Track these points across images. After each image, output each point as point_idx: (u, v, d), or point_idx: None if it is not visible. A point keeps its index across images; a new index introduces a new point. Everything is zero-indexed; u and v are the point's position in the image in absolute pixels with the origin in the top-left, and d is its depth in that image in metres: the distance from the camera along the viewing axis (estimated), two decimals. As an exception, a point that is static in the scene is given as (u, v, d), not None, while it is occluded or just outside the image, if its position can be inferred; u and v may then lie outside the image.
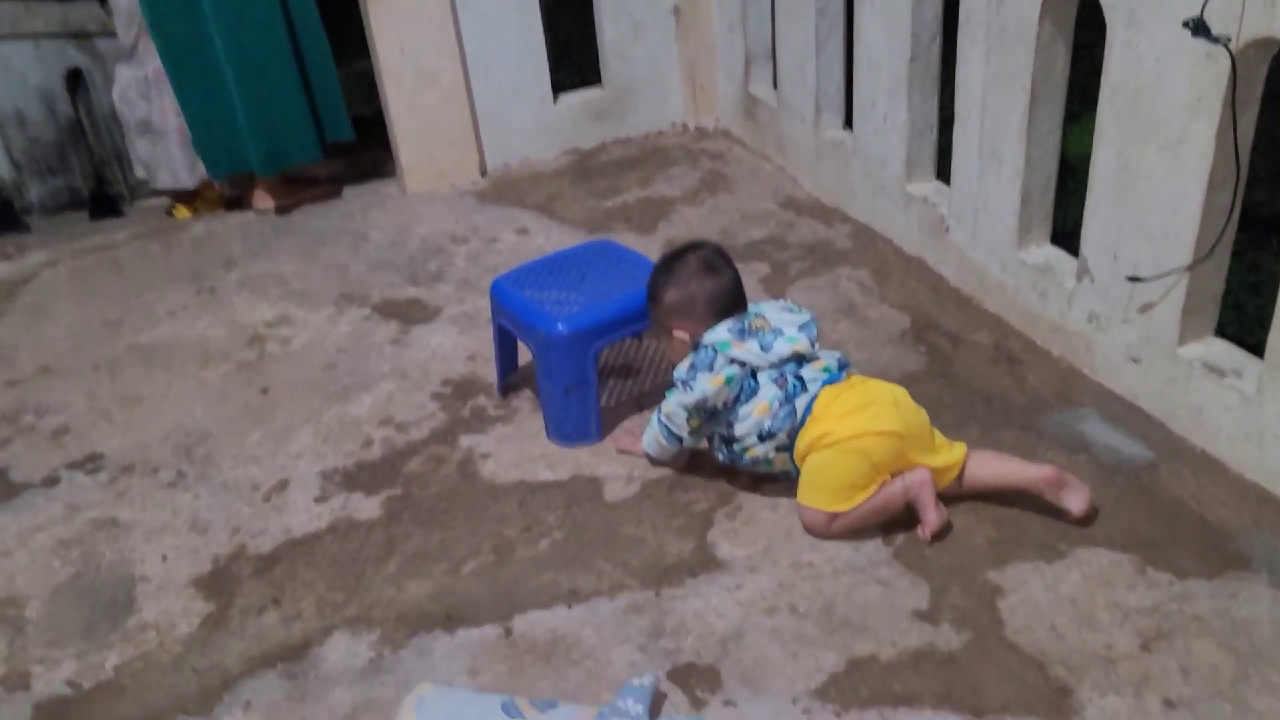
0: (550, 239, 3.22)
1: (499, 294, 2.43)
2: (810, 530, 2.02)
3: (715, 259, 2.13)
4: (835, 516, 1.98)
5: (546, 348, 2.29)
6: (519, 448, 2.39)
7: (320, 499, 2.30)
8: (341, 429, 2.50)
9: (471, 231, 3.31)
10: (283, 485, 2.35)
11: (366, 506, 2.27)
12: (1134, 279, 2.13)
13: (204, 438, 2.53)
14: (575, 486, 2.25)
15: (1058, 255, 2.46)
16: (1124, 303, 2.21)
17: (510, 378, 2.58)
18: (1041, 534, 1.98)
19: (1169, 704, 1.65)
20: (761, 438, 2.07)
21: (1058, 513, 1.97)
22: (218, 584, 2.11)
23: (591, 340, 2.29)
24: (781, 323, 2.08)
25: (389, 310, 2.95)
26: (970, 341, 2.55)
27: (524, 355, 2.56)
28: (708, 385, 2.05)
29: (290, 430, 2.52)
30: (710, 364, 2.05)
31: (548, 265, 2.49)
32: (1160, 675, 1.70)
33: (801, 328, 2.08)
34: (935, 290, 2.75)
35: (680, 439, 2.15)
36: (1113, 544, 1.94)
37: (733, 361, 2.04)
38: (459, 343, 2.78)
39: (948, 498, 2.01)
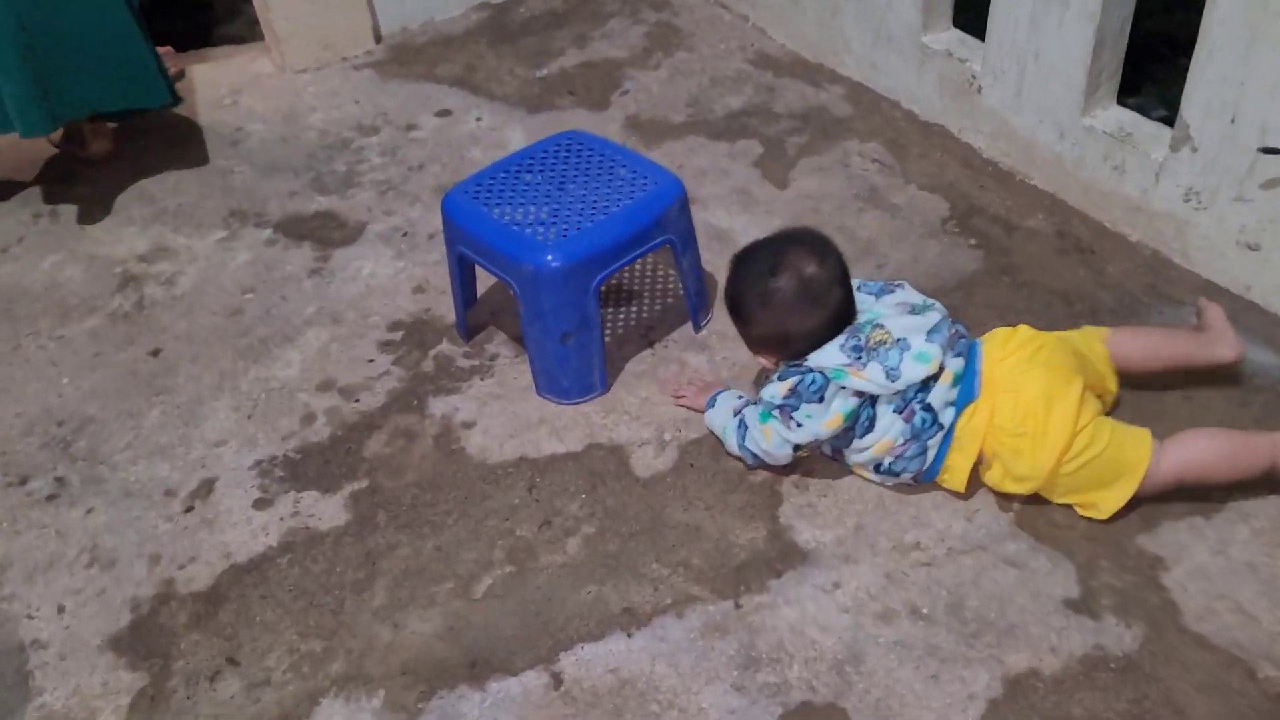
0: (483, 123, 2.63)
1: (455, 213, 1.88)
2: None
3: (820, 278, 1.56)
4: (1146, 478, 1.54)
5: (536, 286, 1.77)
6: (509, 410, 1.89)
7: (262, 502, 1.77)
8: (269, 400, 1.95)
9: (380, 118, 2.68)
10: (207, 487, 1.81)
11: (327, 509, 1.75)
12: (1270, 150, 1.73)
13: (83, 425, 1.94)
14: (594, 459, 1.79)
15: (1134, 120, 2.05)
16: (1240, 177, 1.83)
17: (471, 312, 2.05)
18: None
19: None
20: (880, 470, 1.63)
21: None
22: (144, 642, 1.59)
23: (593, 272, 1.78)
24: (905, 331, 1.57)
25: (297, 229, 2.35)
26: (1026, 228, 2.14)
27: (482, 279, 2.04)
28: (821, 427, 1.57)
29: (200, 405, 1.96)
30: (820, 393, 1.56)
31: (511, 169, 1.94)
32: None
33: (931, 335, 1.57)
34: (969, 165, 2.32)
35: (762, 461, 1.69)
36: (1273, 483, 1.60)
37: (851, 393, 1.56)
38: (398, 270, 2.22)
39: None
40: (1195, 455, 1.52)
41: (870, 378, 1.53)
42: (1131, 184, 2.02)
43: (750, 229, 2.21)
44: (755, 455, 1.67)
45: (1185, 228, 1.96)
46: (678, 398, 1.84)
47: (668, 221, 1.84)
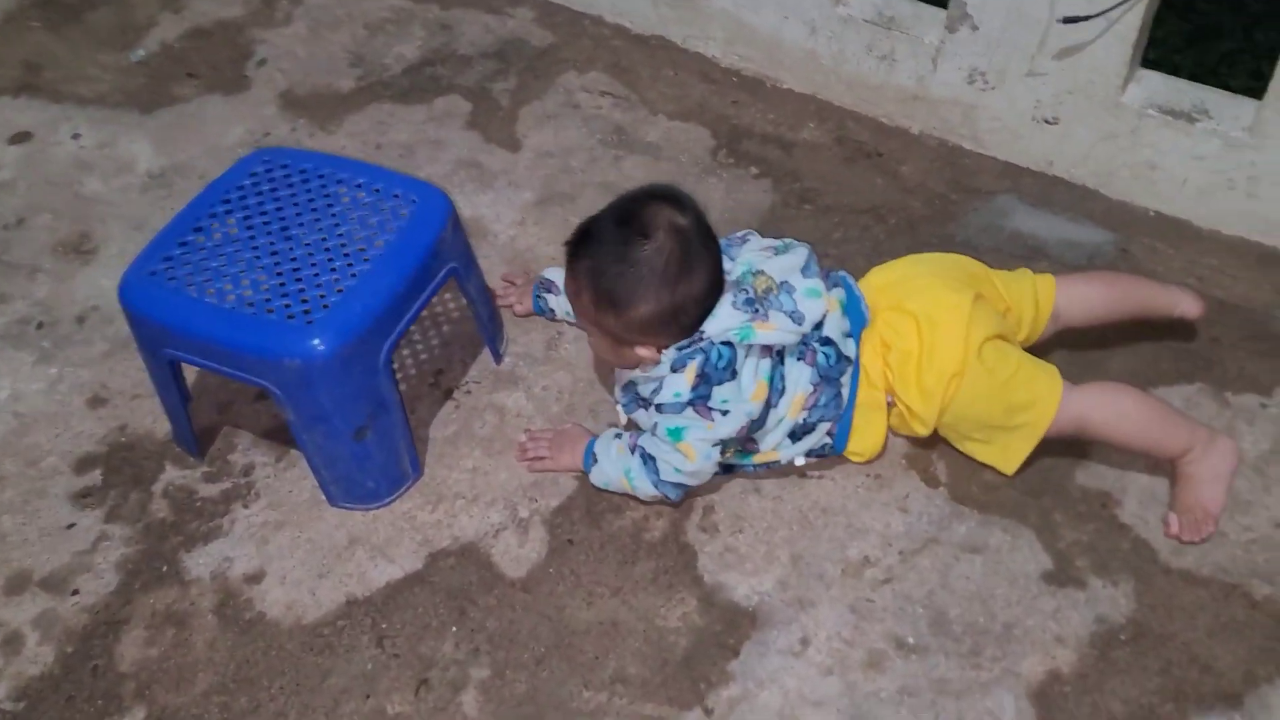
0: (84, 140, 1.98)
1: (147, 307, 1.34)
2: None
3: (693, 228, 1.26)
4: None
5: (307, 384, 1.30)
6: (303, 540, 1.42)
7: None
8: (-63, 633, 1.34)
9: (-71, 163, 1.94)
10: (-109, 805, 1.21)
11: (101, 775, 1.23)
12: (1071, 19, 1.60)
13: None
14: (445, 573, 1.38)
15: (895, 3, 1.85)
16: (1031, 52, 1.69)
17: (193, 413, 1.52)
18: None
19: (1393, 577, 1.32)
20: (795, 440, 1.35)
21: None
22: None
23: (378, 344, 1.33)
24: (783, 273, 1.33)
25: None
26: (803, 143, 1.91)
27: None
28: (750, 403, 1.29)
29: None
30: (730, 366, 1.27)
31: (201, 223, 1.41)
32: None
33: (806, 271, 1.35)
34: (710, 79, 2.03)
35: (687, 487, 1.37)
36: (1162, 373, 1.53)
37: (760, 352, 1.29)
38: (53, 383, 1.61)
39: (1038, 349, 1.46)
40: (1107, 414, 1.35)
41: (779, 326, 1.29)
42: (904, 73, 1.84)
43: (503, 211, 1.82)
44: (679, 485, 1.35)
45: (973, 111, 1.81)
46: (533, 461, 1.46)
47: (445, 247, 1.42)
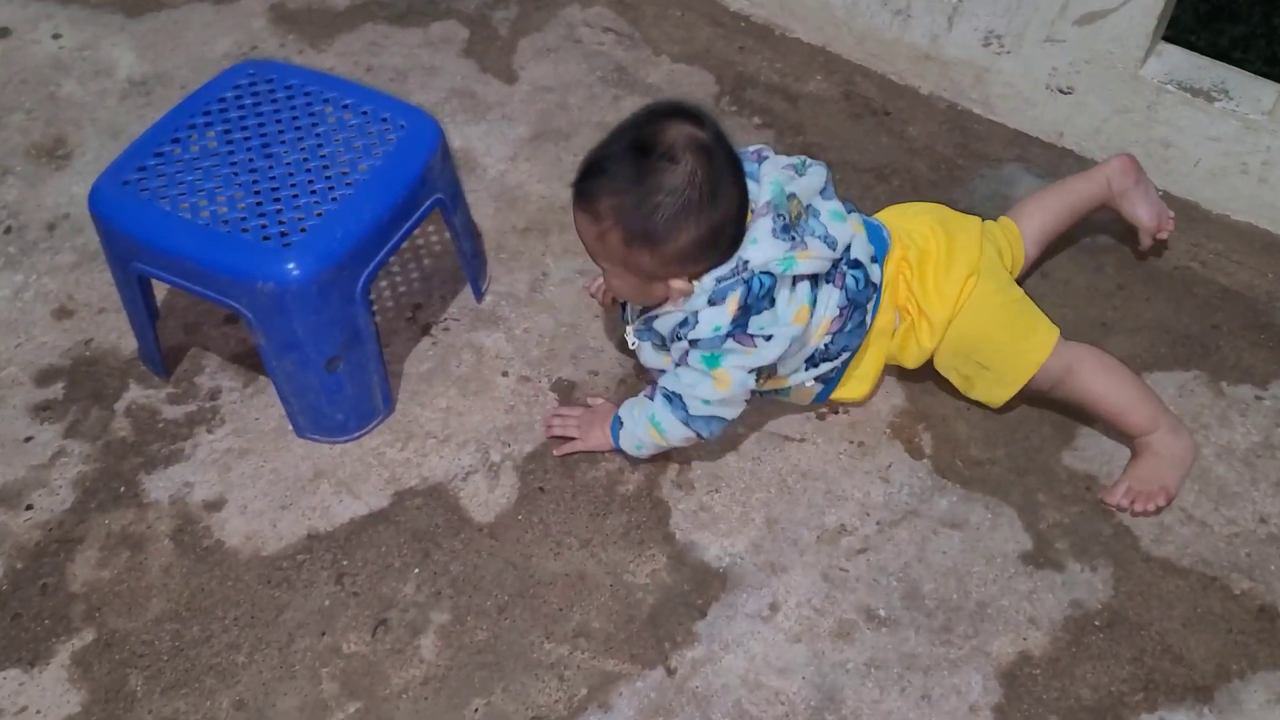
0: (65, 40, 1.90)
1: (118, 217, 1.28)
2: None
3: (718, 143, 1.19)
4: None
5: (280, 309, 1.25)
6: (268, 469, 1.38)
7: (-69, 713, 1.18)
8: (-118, 541, 1.30)
9: (-97, 52, 1.86)
10: None
11: (44, 693, 1.19)
12: (1095, -15, 1.54)
13: None
14: (411, 513, 1.34)
15: (913, -47, 1.78)
16: (1052, 17, 1.63)
17: (160, 331, 1.47)
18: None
19: (1375, 580, 1.30)
20: (812, 363, 1.30)
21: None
22: None
23: (356, 272, 1.28)
24: (806, 195, 1.26)
25: None
26: (809, 95, 1.85)
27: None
28: (791, 325, 1.22)
29: None
30: (769, 294, 1.21)
31: (180, 134, 1.35)
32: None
33: (826, 193, 1.29)
34: (718, 23, 1.97)
35: (725, 421, 1.30)
36: (1160, 358, 1.49)
37: (794, 280, 1.23)
38: (18, 289, 1.56)
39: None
40: (1094, 366, 1.34)
41: (817, 254, 1.22)
42: (918, 30, 1.78)
43: (495, 145, 1.76)
44: (712, 418, 1.29)
45: (985, 75, 1.76)
46: (561, 442, 1.39)
47: (432, 176, 1.36)
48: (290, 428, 1.40)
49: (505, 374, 1.47)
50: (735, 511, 1.35)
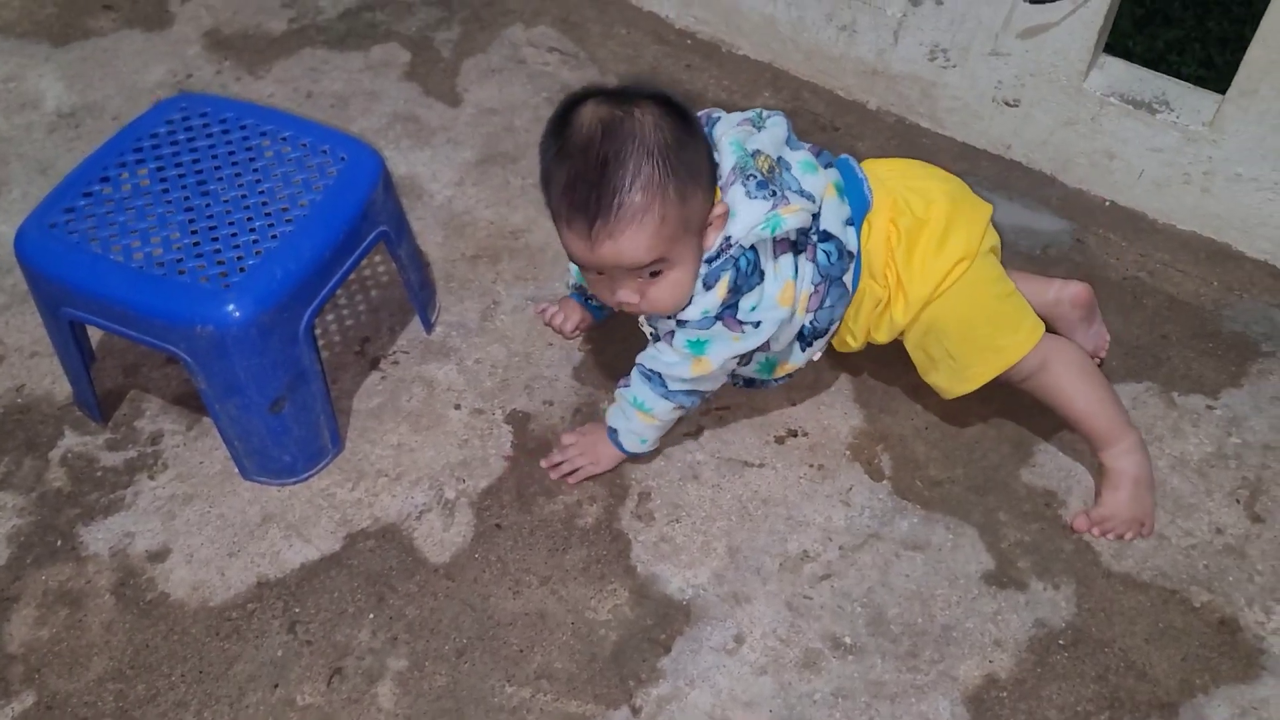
0: (-5, 73, 1.84)
1: (45, 262, 1.24)
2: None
3: (677, 98, 1.15)
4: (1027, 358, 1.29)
5: (221, 352, 1.21)
6: (213, 515, 1.33)
7: None
8: None
9: None
10: None
11: (-18, 766, 1.14)
12: (1037, 0, 1.54)
13: None
14: (364, 556, 1.31)
15: (856, -31, 1.78)
16: (995, 30, 1.63)
17: (96, 374, 1.42)
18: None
19: (1332, 588, 1.31)
20: (807, 342, 1.28)
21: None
22: None
23: (299, 310, 1.25)
24: (773, 147, 1.21)
25: None
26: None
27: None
28: (778, 307, 1.19)
29: None
30: (756, 269, 1.17)
31: (109, 172, 1.30)
32: None
33: (789, 142, 1.25)
34: (663, 40, 1.95)
35: (704, 393, 1.30)
36: (1111, 370, 1.50)
37: (773, 247, 1.19)
38: (-51, 334, 1.49)
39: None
40: (1069, 364, 1.30)
41: (801, 207, 1.16)
42: (865, 46, 1.77)
43: (441, 170, 1.73)
44: (691, 392, 1.28)
45: (932, 89, 1.76)
46: (574, 474, 1.36)
47: (375, 208, 1.33)
48: (236, 470, 1.36)
49: (458, 407, 1.44)
50: (696, 541, 1.33)
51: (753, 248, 1.17)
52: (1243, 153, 1.53)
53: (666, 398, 1.27)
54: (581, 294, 1.48)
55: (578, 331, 1.50)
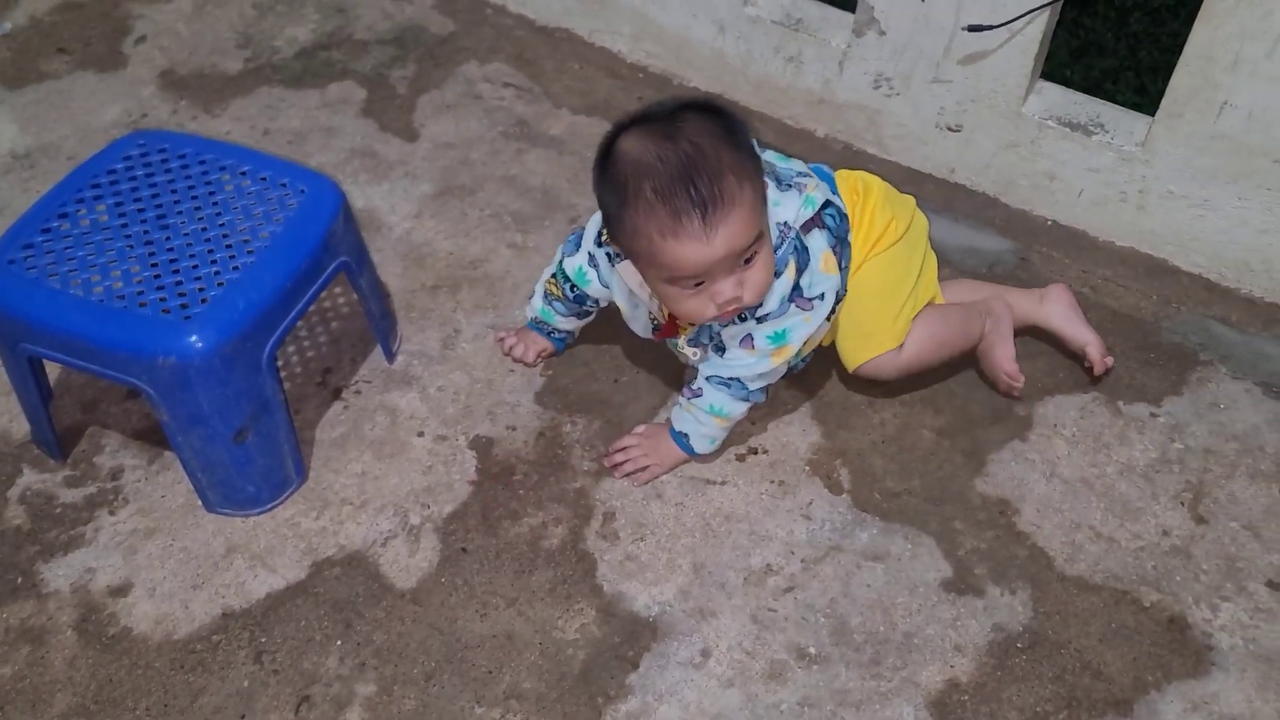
0: (-52, 116, 1.84)
1: (2, 296, 1.24)
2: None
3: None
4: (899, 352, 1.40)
5: (184, 384, 1.21)
6: (177, 549, 1.33)
7: None
8: None
9: None
10: None
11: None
12: (976, 28, 1.60)
13: None
14: (330, 584, 1.31)
15: (803, 5, 1.83)
16: (937, 58, 1.69)
17: (55, 412, 1.42)
18: (986, 398, 1.52)
19: (1274, 585, 1.35)
20: (831, 310, 1.34)
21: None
22: None
23: (262, 340, 1.26)
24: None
25: None
26: (708, 141, 1.88)
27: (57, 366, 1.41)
28: (829, 277, 1.30)
29: None
30: (805, 248, 1.28)
31: (68, 208, 1.31)
32: (1240, 549, 1.38)
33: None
34: (616, 75, 1.99)
35: (774, 380, 1.37)
36: (1060, 382, 1.54)
37: (809, 225, 1.29)
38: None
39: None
40: (926, 343, 1.41)
41: (818, 183, 1.29)
42: (811, 76, 1.83)
43: (399, 203, 1.75)
44: (766, 388, 1.36)
45: (878, 117, 1.81)
46: (639, 474, 1.41)
47: (335, 239, 1.35)
48: (199, 503, 1.36)
49: (421, 434, 1.45)
50: (661, 559, 1.34)
51: (793, 229, 1.25)
52: (1173, 172, 1.60)
53: (746, 399, 1.34)
54: (541, 327, 1.50)
55: (539, 360, 1.53)
